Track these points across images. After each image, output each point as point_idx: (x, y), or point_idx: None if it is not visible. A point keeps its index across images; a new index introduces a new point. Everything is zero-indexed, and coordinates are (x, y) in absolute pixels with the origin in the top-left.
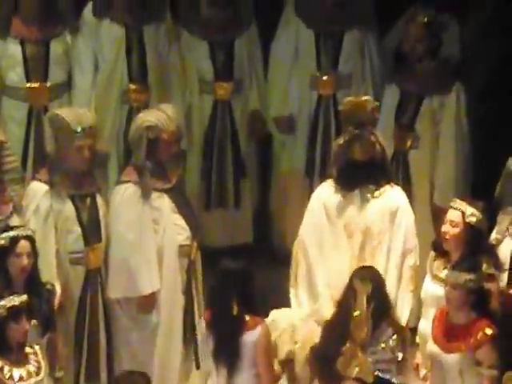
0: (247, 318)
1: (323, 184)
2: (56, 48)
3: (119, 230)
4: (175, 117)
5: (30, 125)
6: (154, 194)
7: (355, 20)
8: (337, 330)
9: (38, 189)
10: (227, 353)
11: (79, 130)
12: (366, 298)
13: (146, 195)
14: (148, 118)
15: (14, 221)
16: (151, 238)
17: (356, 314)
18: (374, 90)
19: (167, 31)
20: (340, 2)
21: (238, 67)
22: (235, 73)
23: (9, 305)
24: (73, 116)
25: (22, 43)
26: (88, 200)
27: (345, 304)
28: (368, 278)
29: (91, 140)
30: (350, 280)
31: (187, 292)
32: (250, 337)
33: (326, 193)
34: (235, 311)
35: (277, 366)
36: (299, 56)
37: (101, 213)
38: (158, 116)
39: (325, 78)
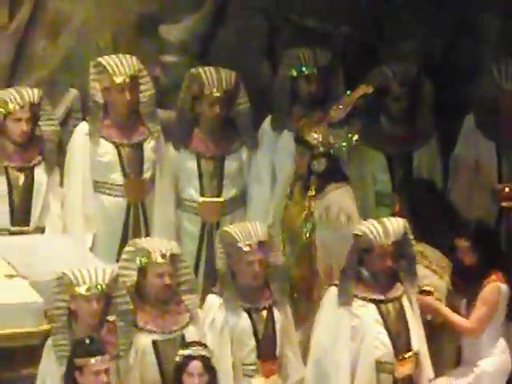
0: None
1: None
2: (231, 164)
3: (317, 333)
4: (396, 230)
5: (202, 239)
6: (358, 302)
7: None
8: None
9: (213, 302)
10: None
11: (247, 248)
12: None
13: (345, 301)
14: (360, 226)
15: (190, 330)
16: (345, 345)
17: None
18: None
19: None
20: None
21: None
22: None
23: None
24: (242, 233)
25: (198, 158)
26: (264, 313)
27: None
28: None
29: (262, 255)
30: None
31: None
32: None
33: None
34: None
35: None
36: (480, 168)
37: (277, 326)
38: (372, 227)
39: (507, 189)
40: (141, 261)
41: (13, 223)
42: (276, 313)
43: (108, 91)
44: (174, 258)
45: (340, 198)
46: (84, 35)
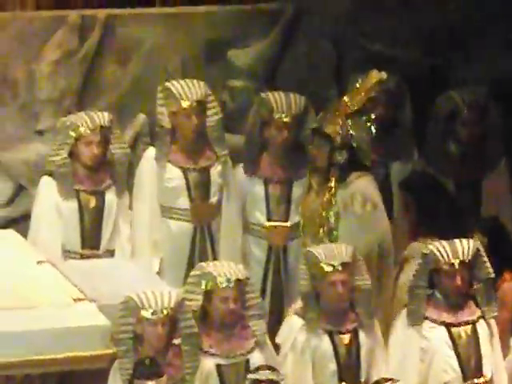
0: None
1: None
2: (299, 189)
3: (388, 353)
4: (465, 250)
5: (268, 263)
6: (429, 324)
7: None
8: None
9: (294, 323)
10: None
11: (329, 268)
12: None
13: (414, 322)
14: (427, 245)
15: (255, 355)
16: (413, 366)
17: None
18: None
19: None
20: None
21: (486, 205)
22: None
23: None
24: (325, 253)
25: (266, 182)
26: (347, 336)
27: None
28: None
29: (345, 275)
30: None
31: None
32: None
33: None
34: None
35: None
36: None
37: (363, 351)
38: (440, 246)
39: None
40: (206, 285)
41: (83, 246)
42: (362, 336)
43: (175, 116)
44: (239, 283)
45: (363, 186)
46: (153, 60)
